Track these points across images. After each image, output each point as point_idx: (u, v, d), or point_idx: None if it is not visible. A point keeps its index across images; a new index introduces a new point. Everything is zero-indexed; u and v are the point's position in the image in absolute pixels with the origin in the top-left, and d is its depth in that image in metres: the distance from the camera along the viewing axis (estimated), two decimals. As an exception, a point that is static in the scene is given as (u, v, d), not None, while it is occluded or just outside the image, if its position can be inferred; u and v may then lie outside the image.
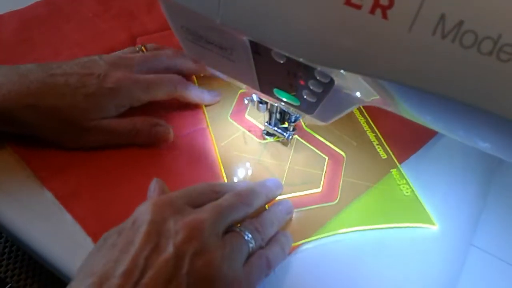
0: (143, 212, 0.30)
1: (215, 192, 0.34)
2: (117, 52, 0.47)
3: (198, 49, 0.34)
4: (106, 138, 0.41)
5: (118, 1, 0.60)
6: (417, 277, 0.35)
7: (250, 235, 0.32)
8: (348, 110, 0.32)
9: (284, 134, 0.43)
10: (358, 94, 0.28)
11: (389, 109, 0.29)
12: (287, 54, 0.27)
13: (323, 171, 0.42)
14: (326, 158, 0.44)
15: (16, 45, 0.51)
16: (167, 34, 0.56)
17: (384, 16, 0.22)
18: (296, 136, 0.45)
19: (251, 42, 0.29)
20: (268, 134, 0.44)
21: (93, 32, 0.55)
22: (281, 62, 0.29)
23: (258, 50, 0.29)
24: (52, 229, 0.36)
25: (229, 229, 0.33)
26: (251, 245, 0.32)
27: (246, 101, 0.42)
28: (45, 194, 0.38)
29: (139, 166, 0.41)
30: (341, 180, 0.42)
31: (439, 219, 0.39)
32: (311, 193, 0.41)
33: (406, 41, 0.22)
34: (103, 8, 0.58)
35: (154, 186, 0.36)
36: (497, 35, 0.20)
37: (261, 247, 0.33)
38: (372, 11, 0.22)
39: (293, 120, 0.42)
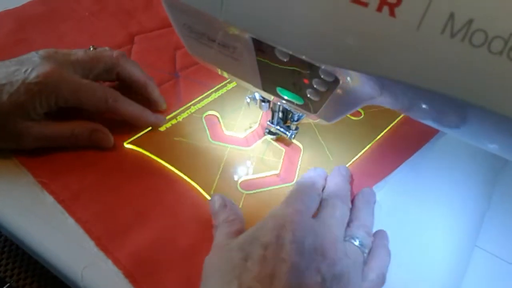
0: (282, 229, 0.30)
1: (318, 195, 0.36)
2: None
3: (200, 47, 0.34)
4: (44, 143, 0.39)
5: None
6: (421, 278, 0.35)
7: (362, 244, 0.33)
8: (353, 110, 0.32)
9: (287, 133, 0.42)
10: (363, 93, 0.28)
11: (394, 108, 0.28)
12: (291, 53, 0.27)
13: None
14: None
15: (12, 45, 0.50)
16: (165, 32, 0.55)
17: (392, 14, 0.21)
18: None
19: (254, 40, 0.28)
20: (270, 133, 0.44)
21: (90, 31, 0.54)
22: (285, 60, 0.28)
23: (261, 48, 0.29)
24: (53, 231, 0.36)
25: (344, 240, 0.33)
26: (365, 255, 0.33)
27: (248, 100, 0.42)
28: (46, 198, 0.38)
29: (141, 167, 0.41)
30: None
31: (443, 220, 0.38)
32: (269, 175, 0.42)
33: (414, 40, 0.21)
34: (100, 7, 0.57)
35: (218, 201, 0.37)
36: (507, 34, 0.19)
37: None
38: (379, 9, 0.21)
39: (296, 119, 0.41)
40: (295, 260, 0.28)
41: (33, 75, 0.37)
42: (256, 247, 0.30)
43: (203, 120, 0.45)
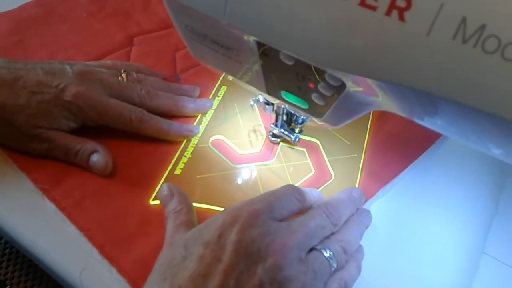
0: (228, 227, 0.29)
1: (299, 201, 0.33)
2: (101, 62, 0.45)
3: (202, 49, 0.33)
4: (46, 148, 0.39)
5: (112, 0, 0.58)
6: (428, 285, 0.35)
7: (334, 257, 0.31)
8: (359, 115, 0.31)
9: (291, 136, 0.41)
10: (370, 99, 0.27)
11: (403, 114, 0.28)
12: (296, 56, 0.26)
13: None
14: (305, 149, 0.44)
15: (9, 48, 0.49)
16: (165, 33, 0.54)
17: (401, 18, 0.21)
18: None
19: (259, 43, 0.28)
20: (274, 136, 0.43)
21: (88, 33, 0.53)
22: (290, 64, 0.28)
23: (266, 52, 0.28)
24: (54, 238, 0.35)
25: (312, 248, 0.31)
26: (333, 268, 0.31)
27: (251, 102, 0.41)
28: (46, 205, 0.37)
29: (145, 172, 0.40)
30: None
31: (451, 225, 0.38)
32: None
33: (424, 45, 0.20)
34: (97, 8, 0.56)
35: (167, 191, 0.36)
36: (522, 40, 0.19)
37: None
38: (388, 13, 0.21)
39: (300, 122, 0.41)
40: (232, 261, 0.27)
41: (65, 93, 0.38)
42: (197, 245, 0.29)
43: (212, 147, 0.43)
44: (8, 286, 0.43)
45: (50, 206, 0.37)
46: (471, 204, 0.40)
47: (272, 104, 0.40)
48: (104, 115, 0.40)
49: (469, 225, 0.38)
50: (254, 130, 0.45)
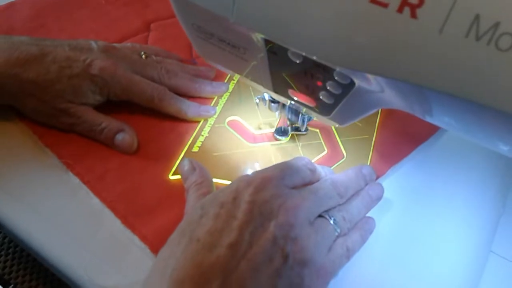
0: (242, 190, 0.30)
1: (310, 171, 0.34)
2: (123, 44, 0.46)
3: (209, 47, 0.33)
4: (73, 123, 0.40)
5: (130, -13, 0.60)
6: (435, 285, 0.34)
7: (337, 223, 0.33)
8: (368, 113, 0.31)
9: (301, 131, 0.42)
10: (380, 97, 0.27)
11: (413, 113, 0.27)
12: (304, 54, 0.26)
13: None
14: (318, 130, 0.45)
15: (29, 33, 0.50)
16: None
17: (413, 15, 0.20)
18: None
19: (266, 41, 0.27)
20: (279, 134, 0.43)
21: (107, 19, 0.54)
22: (298, 62, 0.28)
23: (273, 49, 0.28)
24: (59, 233, 0.35)
25: (319, 215, 0.33)
26: (336, 233, 0.32)
27: (257, 100, 0.41)
28: (70, 179, 0.38)
29: (164, 149, 0.41)
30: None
31: (458, 224, 0.38)
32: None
33: (436, 43, 0.20)
34: None
35: (189, 165, 0.37)
36: (536, 38, 0.18)
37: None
38: (400, 10, 0.21)
39: (304, 121, 0.40)
40: (247, 218, 0.29)
41: (92, 67, 0.39)
42: (213, 206, 0.30)
43: (228, 127, 0.44)
44: (12, 285, 0.43)
45: (75, 180, 0.38)
46: (478, 203, 0.39)
47: (278, 102, 0.39)
48: (128, 90, 0.41)
49: (476, 223, 0.38)
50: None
